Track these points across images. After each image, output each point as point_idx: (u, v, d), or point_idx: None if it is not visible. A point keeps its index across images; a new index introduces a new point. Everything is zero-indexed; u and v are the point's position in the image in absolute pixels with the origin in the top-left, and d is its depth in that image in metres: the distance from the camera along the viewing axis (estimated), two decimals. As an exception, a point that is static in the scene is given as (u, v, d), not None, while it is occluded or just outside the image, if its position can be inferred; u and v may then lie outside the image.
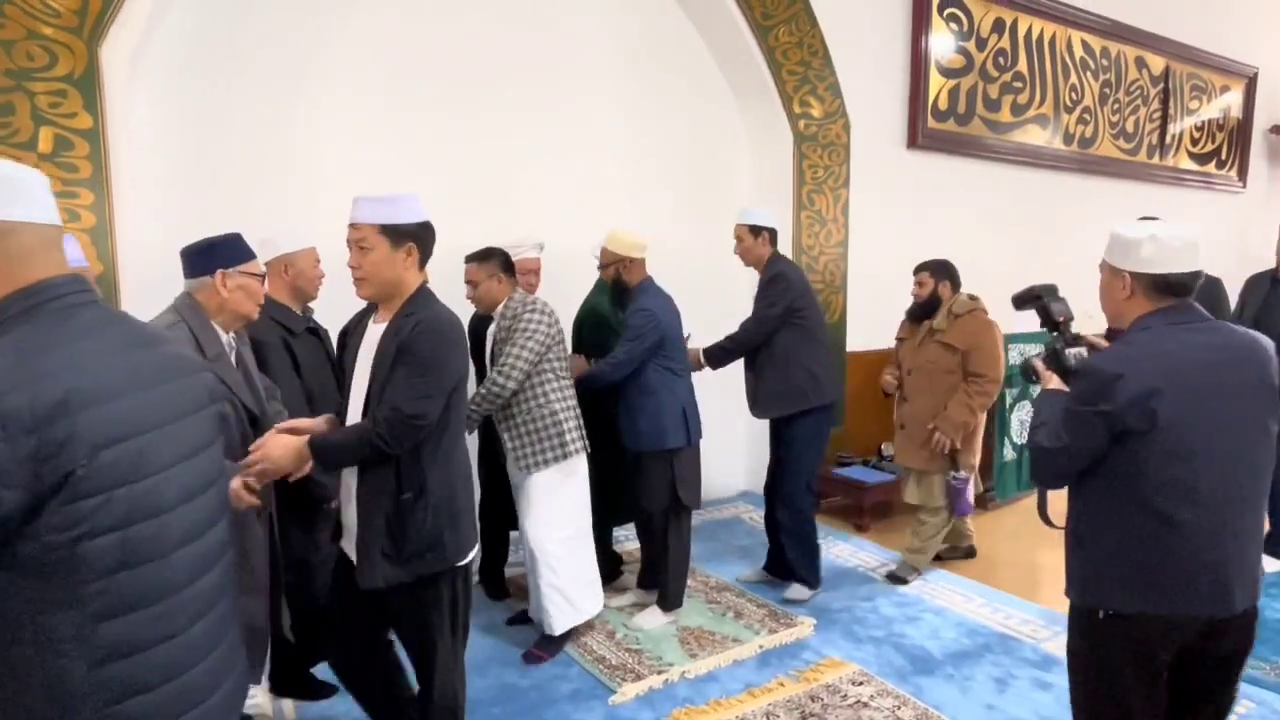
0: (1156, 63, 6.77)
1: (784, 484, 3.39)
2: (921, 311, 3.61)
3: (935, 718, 2.55)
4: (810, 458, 3.39)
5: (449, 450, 1.88)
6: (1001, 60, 5.61)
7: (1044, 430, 1.69)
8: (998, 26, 5.54)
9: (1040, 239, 6.04)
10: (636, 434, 3.09)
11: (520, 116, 4.06)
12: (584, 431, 2.92)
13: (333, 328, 2.87)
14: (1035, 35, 5.80)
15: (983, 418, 3.60)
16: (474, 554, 1.97)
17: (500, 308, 2.85)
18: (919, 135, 5.20)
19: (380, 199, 1.86)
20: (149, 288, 2.94)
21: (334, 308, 2.86)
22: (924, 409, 3.53)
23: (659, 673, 2.81)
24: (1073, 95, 6.13)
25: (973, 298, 3.58)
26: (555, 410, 2.79)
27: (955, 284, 3.60)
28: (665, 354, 3.08)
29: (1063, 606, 3.29)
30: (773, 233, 3.39)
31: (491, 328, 2.89)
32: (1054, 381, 1.81)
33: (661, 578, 3.21)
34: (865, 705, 2.63)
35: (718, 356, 3.42)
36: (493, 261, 2.85)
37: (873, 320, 4.80)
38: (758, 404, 3.40)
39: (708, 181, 4.77)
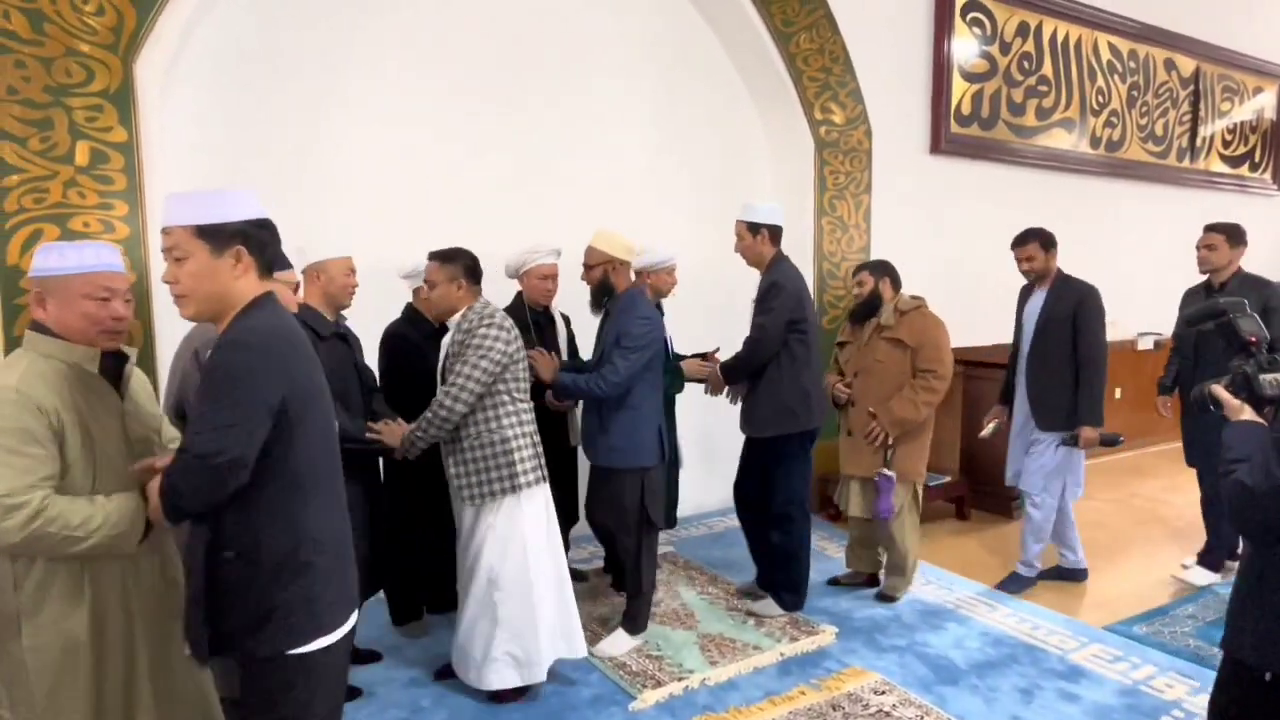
0: (1186, 64, 6.67)
1: (778, 505, 3.23)
2: (864, 312, 3.48)
3: (959, 728, 2.53)
4: (804, 477, 3.26)
5: (298, 497, 1.45)
6: (1026, 64, 5.56)
7: (1246, 468, 1.45)
8: (1022, 30, 5.50)
9: (1068, 244, 5.93)
10: (609, 449, 2.88)
11: (542, 124, 4.10)
12: (543, 460, 2.65)
13: (368, 335, 2.95)
14: (1060, 38, 5.74)
15: (931, 423, 3.43)
16: (346, 628, 1.55)
17: (457, 317, 2.58)
18: (942, 140, 5.17)
19: (193, 195, 1.49)
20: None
21: (374, 316, 3.01)
22: (868, 418, 3.37)
23: (679, 679, 2.81)
24: (1099, 98, 6.06)
25: (915, 297, 3.46)
26: (507, 436, 2.51)
27: (896, 283, 3.49)
28: (650, 367, 2.89)
29: (1094, 618, 3.28)
30: (774, 230, 3.21)
31: (446, 338, 2.62)
32: (1246, 412, 1.58)
33: (631, 600, 3.05)
34: (887, 715, 2.60)
35: (730, 370, 3.25)
36: (457, 264, 2.56)
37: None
38: (751, 422, 3.22)
39: (729, 188, 4.77)
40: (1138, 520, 4.62)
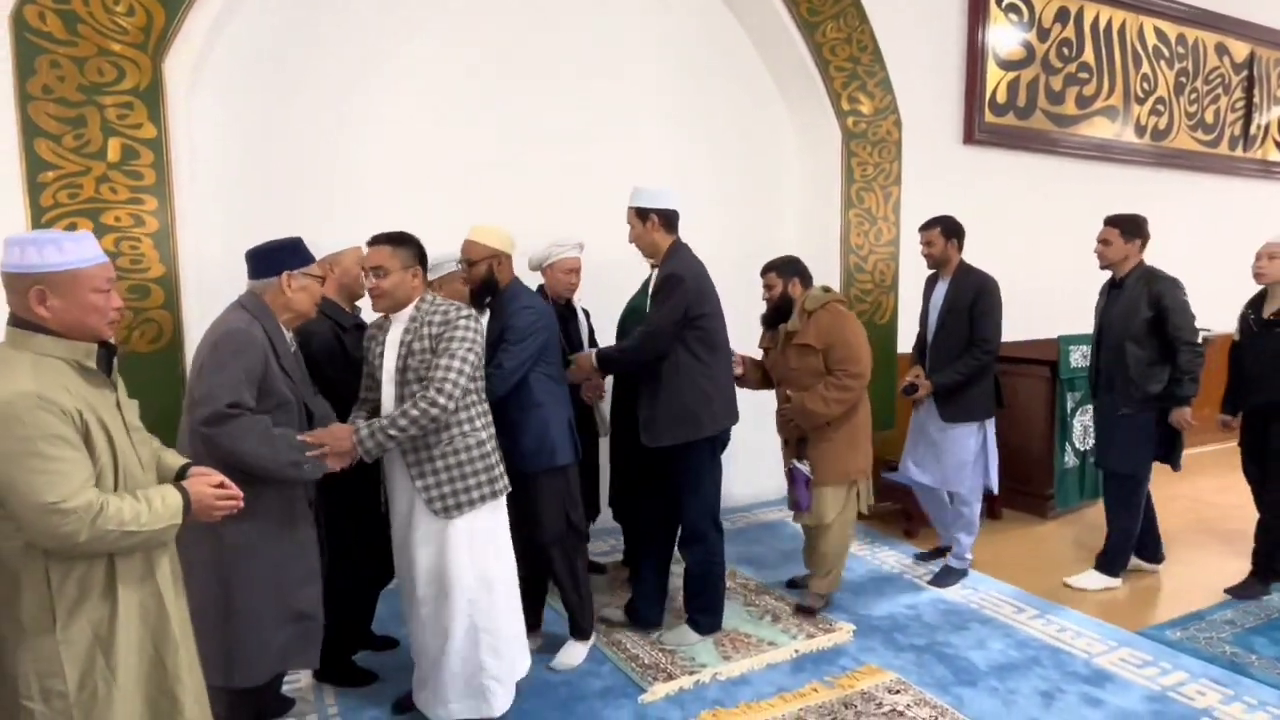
0: (1240, 49, 6.39)
1: (690, 521, 2.96)
2: (775, 316, 3.27)
3: (974, 730, 2.47)
4: (715, 487, 2.99)
5: None
6: (1066, 51, 5.39)
7: None
8: (1061, 16, 5.33)
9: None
10: (521, 454, 2.64)
11: (565, 117, 4.10)
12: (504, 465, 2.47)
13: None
14: (1103, 24, 5.55)
15: (863, 422, 3.23)
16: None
17: (411, 309, 2.33)
18: (975, 130, 5.04)
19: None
20: (208, 287, 3.12)
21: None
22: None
23: (690, 673, 2.80)
24: (1145, 85, 5.84)
25: (827, 290, 3.25)
26: (483, 439, 2.34)
27: (806, 280, 3.26)
28: (547, 360, 2.70)
29: (1126, 622, 3.16)
30: (666, 215, 2.88)
31: (393, 334, 2.34)
32: None
33: (575, 607, 2.89)
34: (901, 714, 2.55)
35: (609, 361, 2.93)
36: (411, 249, 2.33)
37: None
38: (649, 430, 2.87)
39: (755, 180, 4.73)
40: (1180, 522, 4.45)
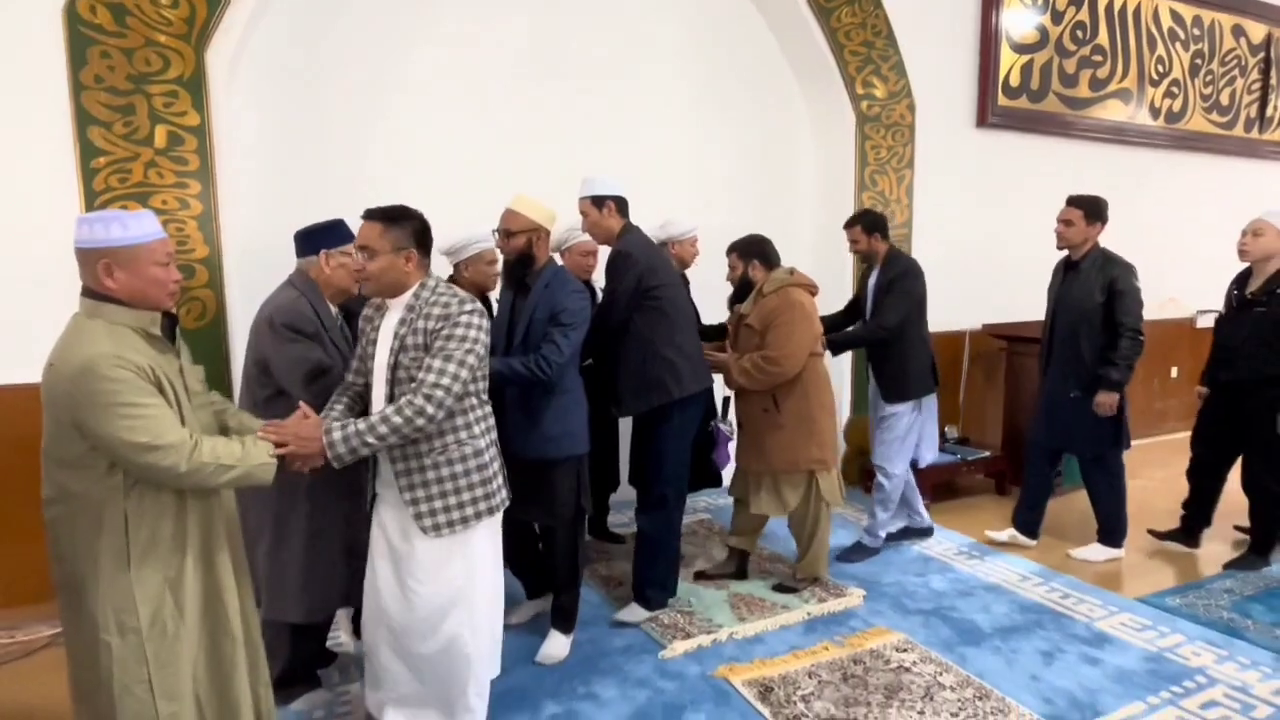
0: (1257, 30, 6.38)
1: (654, 486, 2.96)
2: (736, 298, 3.31)
3: (977, 685, 2.60)
4: (680, 458, 2.99)
5: None
6: (1080, 33, 5.43)
7: None
8: (1076, -1, 5.37)
9: (1127, 217, 5.81)
10: (544, 439, 2.59)
11: (583, 102, 4.22)
12: (505, 475, 2.25)
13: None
14: (1118, 6, 5.58)
15: (814, 413, 3.15)
16: None
17: (409, 296, 2.05)
18: (989, 113, 5.11)
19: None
20: (249, 267, 3.28)
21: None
22: (755, 405, 3.17)
23: (708, 633, 2.95)
24: (1159, 68, 5.87)
25: (791, 272, 3.20)
26: (481, 448, 2.08)
27: (769, 262, 3.24)
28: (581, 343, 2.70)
29: (1128, 591, 3.28)
30: (620, 201, 2.93)
31: (389, 321, 2.08)
32: None
33: (565, 596, 2.82)
34: (907, 670, 2.70)
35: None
36: (406, 227, 2.03)
37: (940, 302, 4.74)
38: (619, 402, 2.94)
39: (770, 165, 4.83)
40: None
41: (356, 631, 2.92)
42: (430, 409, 1.92)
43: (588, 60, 4.21)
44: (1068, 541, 3.88)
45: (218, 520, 1.81)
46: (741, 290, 3.29)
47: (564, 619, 2.85)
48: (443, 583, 2.07)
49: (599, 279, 3.67)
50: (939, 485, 4.50)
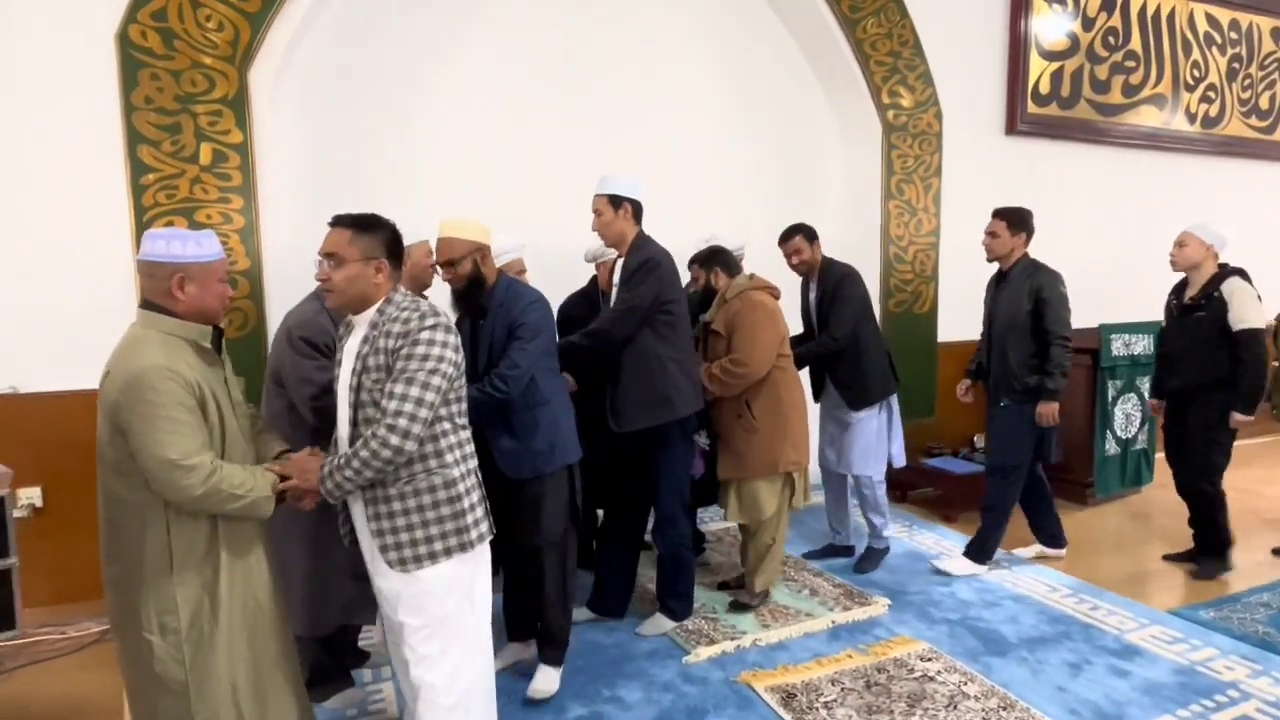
0: (1298, 33, 6.26)
1: (663, 506, 2.94)
2: (701, 308, 3.31)
3: (1001, 695, 2.59)
4: (683, 473, 2.99)
5: None
6: (1112, 39, 5.39)
7: None
8: (1107, 4, 5.33)
9: (1162, 224, 5.72)
10: (533, 455, 2.47)
11: (613, 116, 4.30)
12: (487, 507, 2.03)
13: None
14: (1150, 11, 5.52)
15: (789, 416, 3.13)
16: None
17: (371, 313, 1.87)
18: (1018, 121, 5.09)
19: None
20: (288, 279, 3.40)
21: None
22: (729, 412, 3.14)
23: (732, 639, 2.98)
24: (1195, 72, 5.79)
25: (751, 277, 3.23)
26: (453, 478, 1.88)
27: (730, 270, 3.27)
28: (549, 352, 2.56)
29: (1160, 603, 3.24)
30: (637, 206, 2.87)
31: (353, 340, 1.89)
32: None
33: (555, 622, 2.63)
34: (931, 679, 2.70)
35: (569, 354, 2.81)
36: (378, 236, 1.87)
37: (967, 310, 4.74)
38: (620, 415, 2.84)
39: (797, 174, 4.86)
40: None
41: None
42: (395, 440, 1.75)
43: (616, 72, 4.29)
44: (1100, 554, 3.83)
45: (254, 531, 1.88)
46: (706, 300, 3.31)
47: (554, 648, 2.65)
48: (411, 619, 1.89)
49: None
50: (965, 496, 4.46)
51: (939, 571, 3.63)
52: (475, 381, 2.41)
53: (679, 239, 3.68)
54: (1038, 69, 5.12)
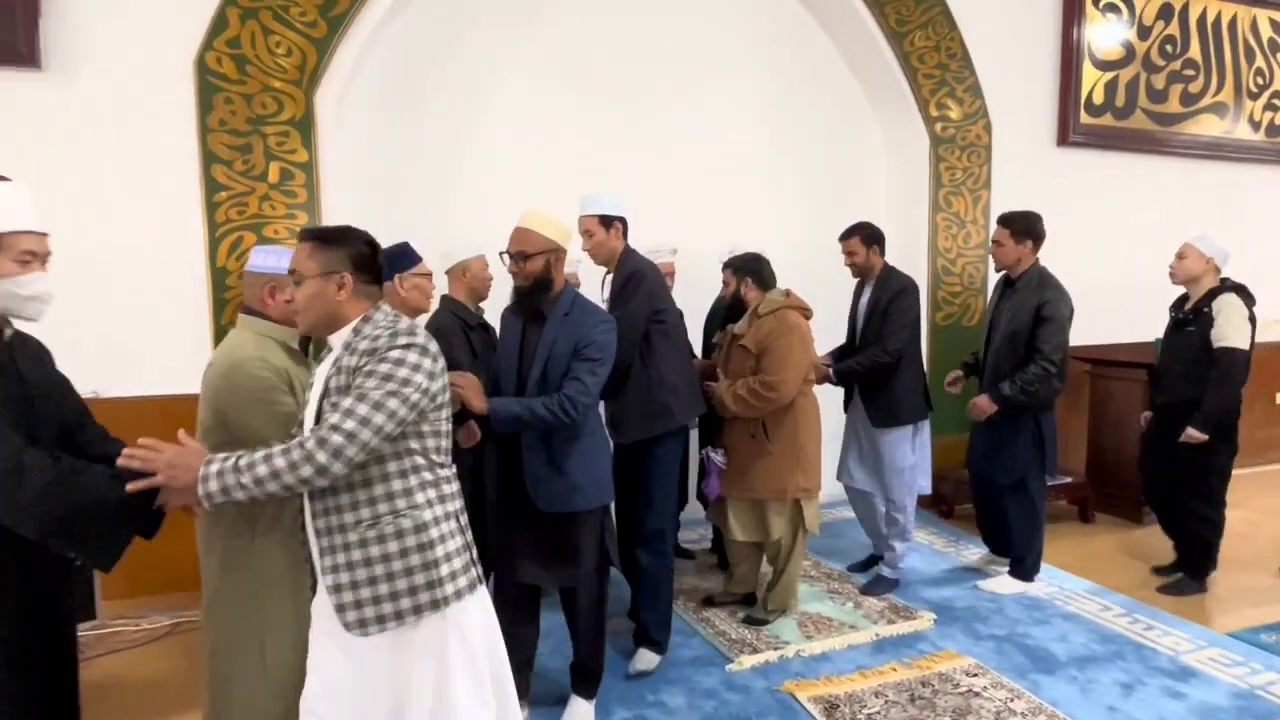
0: (1370, 37, 6.03)
1: (652, 520, 2.83)
2: (729, 316, 3.20)
3: (1050, 712, 2.56)
4: (671, 489, 2.90)
5: None
6: (1169, 48, 5.28)
7: None
8: (1164, 13, 5.23)
9: (1222, 234, 5.58)
10: (571, 489, 2.31)
11: (663, 128, 4.38)
12: (474, 554, 1.72)
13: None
14: (1211, 18, 5.40)
15: (805, 438, 3.08)
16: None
17: (346, 332, 1.63)
18: (1070, 132, 5.02)
19: None
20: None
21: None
22: (742, 429, 3.09)
23: (775, 649, 3.00)
24: (1259, 80, 5.62)
25: (787, 294, 3.15)
26: (424, 521, 1.58)
27: (764, 282, 3.18)
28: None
29: (1219, 625, 3.16)
30: (624, 222, 2.85)
31: (324, 365, 1.65)
32: None
33: (590, 658, 2.53)
34: (977, 695, 2.68)
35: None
36: (341, 250, 1.63)
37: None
38: (619, 427, 2.80)
39: (843, 186, 4.87)
40: (1289, 532, 4.32)
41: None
42: (322, 457, 1.45)
43: (665, 91, 4.38)
44: (1150, 573, 3.74)
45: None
46: (728, 312, 3.24)
47: (587, 683, 2.56)
48: (369, 698, 1.59)
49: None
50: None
51: (989, 591, 3.56)
52: (515, 391, 2.33)
53: (721, 246, 3.76)
54: (1091, 79, 5.05)
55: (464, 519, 1.71)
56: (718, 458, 3.13)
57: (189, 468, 1.47)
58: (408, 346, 1.56)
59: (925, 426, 3.60)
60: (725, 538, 3.32)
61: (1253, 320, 3.37)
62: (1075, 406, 5.09)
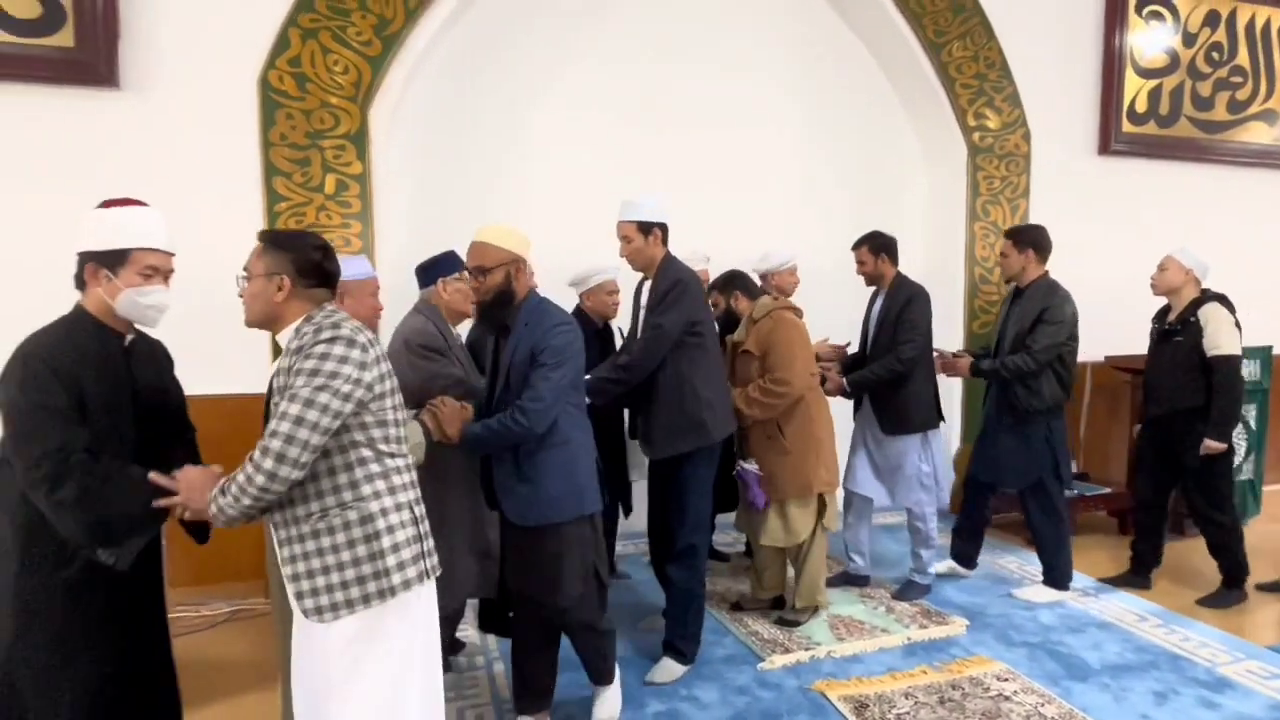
0: None
1: (685, 535, 2.82)
2: (724, 330, 3.27)
3: (1080, 718, 2.58)
4: (705, 504, 2.87)
5: None
6: (1216, 55, 5.21)
7: None
8: (1211, 20, 5.17)
9: (1269, 243, 5.50)
10: (546, 501, 2.22)
11: (698, 139, 4.47)
12: (429, 545, 1.77)
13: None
14: (1260, 25, 5.31)
15: (820, 435, 3.14)
16: None
17: (289, 333, 1.68)
18: (1112, 140, 4.99)
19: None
20: (402, 294, 3.69)
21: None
22: (760, 434, 3.12)
23: (807, 650, 3.06)
24: (1310, 86, 5.51)
25: (776, 298, 3.27)
26: (370, 513, 1.63)
27: (750, 292, 3.32)
28: (575, 385, 2.31)
29: (1258, 638, 3.13)
30: (665, 229, 2.82)
31: (280, 362, 1.67)
32: None
33: (590, 662, 2.50)
34: (1007, 699, 2.71)
35: (600, 391, 2.74)
36: (284, 254, 1.70)
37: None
38: (651, 441, 2.79)
39: (879, 196, 4.91)
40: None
41: (482, 625, 3.24)
42: (267, 464, 1.51)
43: (698, 98, 4.47)
44: (1197, 586, 3.71)
45: None
46: (725, 327, 3.30)
47: (603, 674, 2.54)
48: (314, 679, 1.65)
49: (622, 319, 3.62)
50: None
51: (1025, 600, 3.57)
52: (488, 408, 2.29)
53: (758, 254, 3.83)
54: (1134, 87, 5.02)
55: (419, 509, 1.75)
56: (751, 468, 3.15)
57: (201, 493, 1.65)
58: (332, 340, 1.59)
59: (937, 436, 3.60)
60: (753, 544, 3.38)
61: (1238, 327, 3.44)
62: (1116, 416, 5.05)
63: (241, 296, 1.73)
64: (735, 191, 4.55)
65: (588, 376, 2.62)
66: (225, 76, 3.49)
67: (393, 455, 1.70)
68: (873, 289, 3.68)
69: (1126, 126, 5.03)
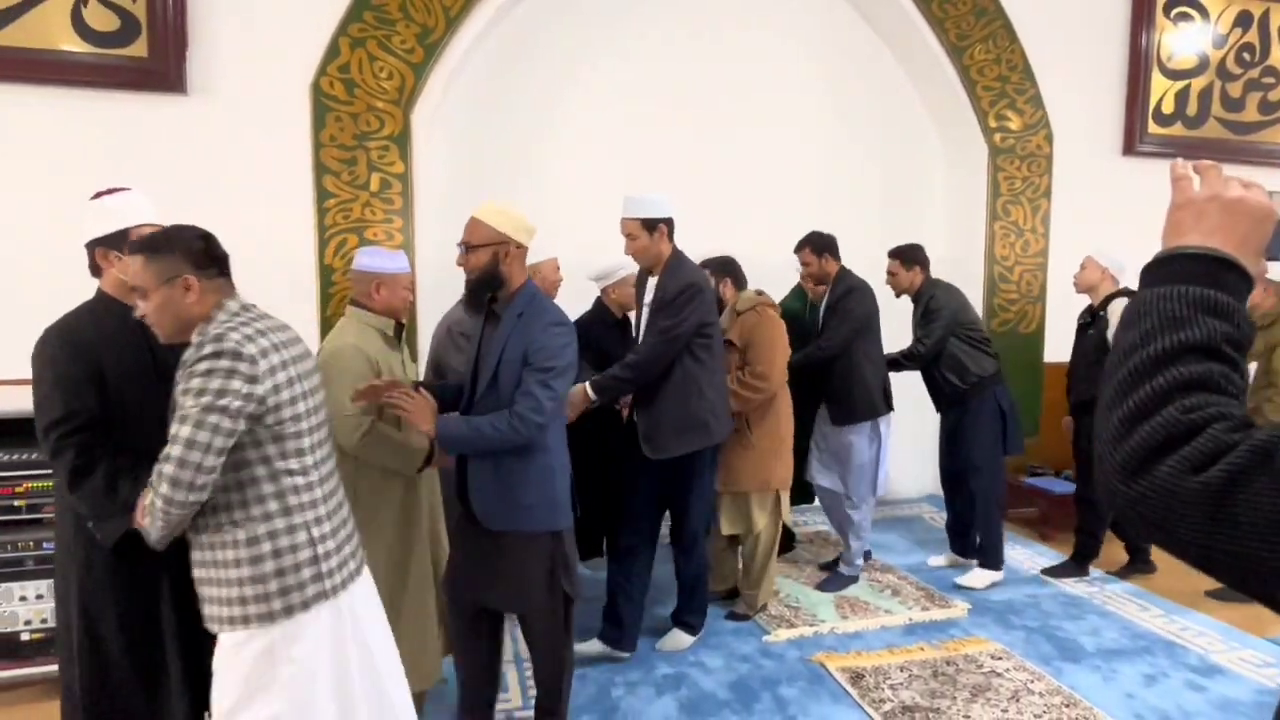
0: None
1: (690, 529, 2.96)
2: None
3: (1067, 694, 2.72)
4: (707, 497, 3.01)
5: None
6: (1247, 56, 5.20)
7: None
8: (1242, 20, 5.16)
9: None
10: (517, 508, 2.08)
11: (722, 141, 4.65)
12: (356, 553, 1.76)
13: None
14: (1293, 25, 5.28)
15: (781, 433, 3.24)
16: None
17: (194, 339, 1.58)
18: (1137, 141, 5.03)
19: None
20: (441, 288, 3.95)
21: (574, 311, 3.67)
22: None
23: (810, 625, 3.24)
24: (1346, 87, 5.46)
25: (760, 293, 3.30)
26: (257, 535, 1.57)
27: (738, 281, 3.38)
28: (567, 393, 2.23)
29: (1257, 630, 3.20)
30: (670, 224, 2.81)
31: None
32: None
33: (548, 698, 2.29)
34: (998, 675, 2.85)
35: (610, 389, 2.77)
36: (168, 258, 1.58)
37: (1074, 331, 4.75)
38: (653, 441, 2.78)
39: (899, 194, 5.03)
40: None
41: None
42: (164, 488, 1.47)
43: (722, 99, 4.64)
44: (1193, 576, 3.76)
45: (420, 509, 2.40)
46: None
47: (548, 715, 2.30)
48: (224, 698, 1.60)
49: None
50: (1063, 515, 4.46)
51: (960, 587, 3.67)
52: (467, 402, 2.15)
53: (780, 254, 4.00)
54: (1161, 88, 5.04)
55: (325, 525, 1.65)
56: None
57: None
58: (216, 355, 1.50)
59: (884, 426, 3.67)
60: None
61: None
62: (1136, 416, 5.09)
63: (143, 318, 1.61)
64: (759, 191, 4.71)
65: (596, 376, 2.76)
66: (281, 82, 3.77)
67: (290, 473, 1.60)
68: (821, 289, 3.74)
69: (1153, 128, 5.06)
